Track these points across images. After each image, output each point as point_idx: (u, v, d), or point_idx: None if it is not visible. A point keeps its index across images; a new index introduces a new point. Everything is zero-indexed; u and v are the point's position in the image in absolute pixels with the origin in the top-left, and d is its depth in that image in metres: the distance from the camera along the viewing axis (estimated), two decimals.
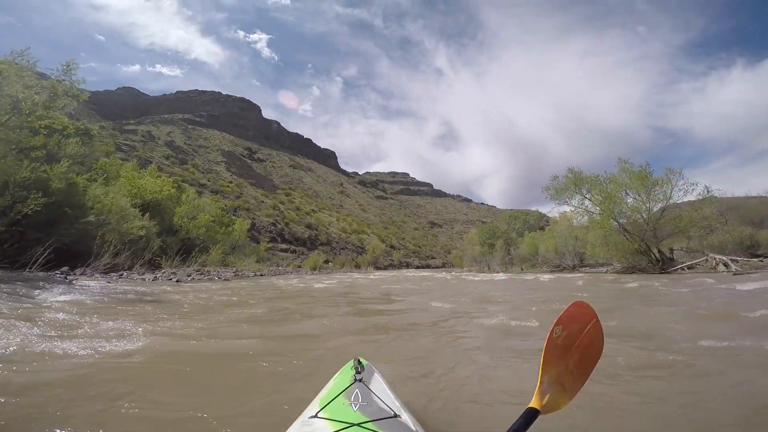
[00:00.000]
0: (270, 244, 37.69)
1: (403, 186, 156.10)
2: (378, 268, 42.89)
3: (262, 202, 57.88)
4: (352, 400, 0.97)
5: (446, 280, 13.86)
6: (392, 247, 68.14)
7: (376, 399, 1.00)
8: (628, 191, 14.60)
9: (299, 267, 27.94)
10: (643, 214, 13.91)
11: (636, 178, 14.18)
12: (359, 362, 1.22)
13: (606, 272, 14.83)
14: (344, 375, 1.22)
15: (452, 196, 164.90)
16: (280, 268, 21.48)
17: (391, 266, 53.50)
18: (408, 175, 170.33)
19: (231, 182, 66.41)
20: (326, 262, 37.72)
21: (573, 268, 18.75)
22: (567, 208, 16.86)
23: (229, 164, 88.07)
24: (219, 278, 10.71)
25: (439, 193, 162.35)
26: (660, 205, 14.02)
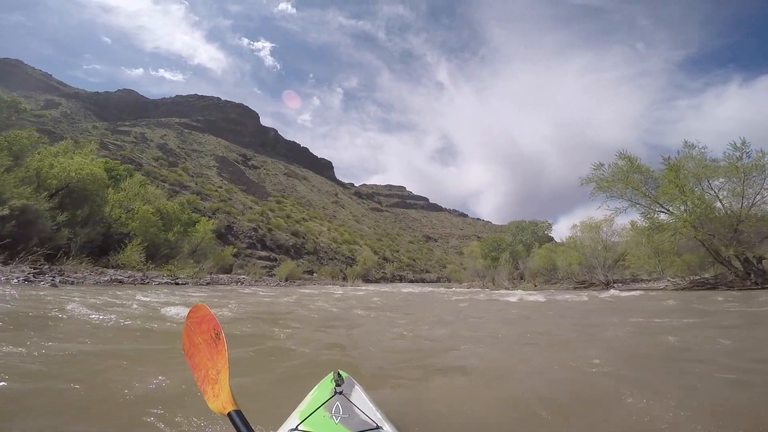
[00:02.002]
0: (247, 250, 33.61)
1: (399, 199, 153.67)
2: (368, 281, 38.75)
3: (250, 208, 54.05)
4: (333, 412, 0.95)
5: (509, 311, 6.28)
6: (385, 259, 64.03)
7: (357, 411, 0.98)
8: (701, 182, 10.92)
9: (270, 276, 23.86)
10: (729, 212, 10.31)
11: (713, 166, 10.53)
12: (339, 375, 1.18)
13: (665, 288, 11.15)
14: (324, 388, 1.17)
15: (448, 211, 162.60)
16: (224, 276, 17.06)
17: (384, 279, 49.29)
18: (404, 188, 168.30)
19: (220, 187, 62.77)
20: (310, 272, 33.66)
21: (606, 285, 15.05)
22: (621, 204, 12.70)
23: (221, 169, 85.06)
24: (68, 282, 7.04)
25: (435, 208, 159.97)
26: (746, 201, 10.48)
